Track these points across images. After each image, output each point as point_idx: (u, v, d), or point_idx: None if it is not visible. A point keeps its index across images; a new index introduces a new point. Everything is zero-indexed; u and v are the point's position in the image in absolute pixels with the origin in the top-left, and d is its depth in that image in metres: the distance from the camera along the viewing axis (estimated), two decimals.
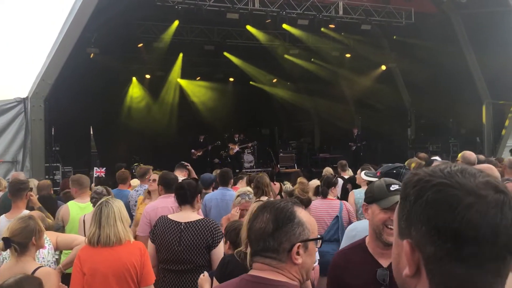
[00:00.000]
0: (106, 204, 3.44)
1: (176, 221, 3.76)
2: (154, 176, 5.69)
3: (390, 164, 3.27)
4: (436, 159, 6.10)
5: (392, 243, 2.01)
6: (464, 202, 0.87)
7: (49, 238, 3.83)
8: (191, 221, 3.75)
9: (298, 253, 1.61)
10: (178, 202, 3.93)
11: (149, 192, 5.75)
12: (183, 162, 7.43)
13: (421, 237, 0.91)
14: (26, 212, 4.67)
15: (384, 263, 2.31)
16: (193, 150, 17.31)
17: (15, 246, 3.16)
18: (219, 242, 3.69)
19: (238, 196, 4.66)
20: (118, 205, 3.48)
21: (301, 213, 1.67)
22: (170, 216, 3.86)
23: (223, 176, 6.33)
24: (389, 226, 2.28)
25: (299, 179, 5.92)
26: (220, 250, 3.68)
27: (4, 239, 3.17)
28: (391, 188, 2.39)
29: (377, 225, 2.35)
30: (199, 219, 3.81)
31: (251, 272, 1.66)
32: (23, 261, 3.19)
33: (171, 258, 3.71)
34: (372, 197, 2.45)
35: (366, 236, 2.48)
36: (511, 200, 0.90)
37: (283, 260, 1.61)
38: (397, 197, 2.31)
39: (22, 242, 3.19)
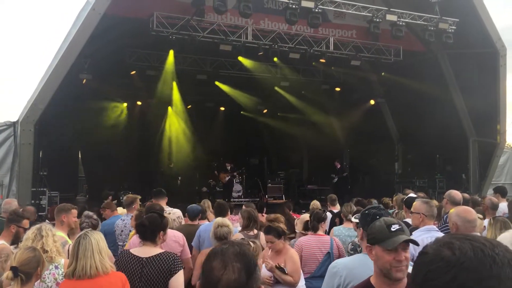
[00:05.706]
0: (85, 236, 3.45)
1: (138, 256, 3.75)
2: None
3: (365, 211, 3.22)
4: (412, 196, 6.17)
5: (401, 277, 2.11)
6: None
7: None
8: (152, 256, 3.74)
9: None
10: (139, 237, 3.93)
11: None
12: (161, 189, 7.34)
13: None
14: None
15: None
16: None
17: (22, 276, 3.13)
18: (178, 271, 3.68)
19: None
20: (96, 237, 3.48)
21: None
22: (132, 251, 3.85)
23: (219, 207, 6.37)
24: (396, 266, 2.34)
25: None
26: (178, 279, 3.66)
27: (12, 268, 3.15)
28: (392, 229, 2.40)
29: (384, 266, 2.38)
30: (160, 253, 3.80)
31: None
32: None
33: None
34: (374, 239, 2.45)
35: (371, 276, 2.51)
36: None
37: None
38: (400, 237, 2.31)
39: (29, 272, 3.18)
